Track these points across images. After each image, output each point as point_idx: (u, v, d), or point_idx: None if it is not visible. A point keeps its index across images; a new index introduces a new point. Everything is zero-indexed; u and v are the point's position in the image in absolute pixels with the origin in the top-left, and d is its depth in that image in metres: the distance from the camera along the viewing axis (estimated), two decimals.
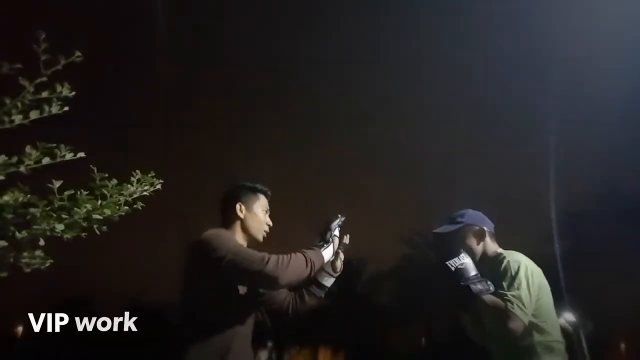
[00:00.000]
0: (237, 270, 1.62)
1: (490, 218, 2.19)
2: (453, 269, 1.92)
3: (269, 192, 1.99)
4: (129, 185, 2.29)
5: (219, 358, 1.63)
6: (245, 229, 1.89)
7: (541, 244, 16.89)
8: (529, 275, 1.94)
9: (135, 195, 2.32)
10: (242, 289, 1.74)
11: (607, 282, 15.96)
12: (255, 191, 1.95)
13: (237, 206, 1.88)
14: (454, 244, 2.08)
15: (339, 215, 1.96)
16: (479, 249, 2.11)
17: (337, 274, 2.02)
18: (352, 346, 22.90)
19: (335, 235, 1.87)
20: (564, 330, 1.98)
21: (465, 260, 1.94)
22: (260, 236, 1.92)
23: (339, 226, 1.92)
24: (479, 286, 1.88)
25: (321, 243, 1.83)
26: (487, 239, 2.13)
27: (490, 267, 2.05)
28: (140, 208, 2.37)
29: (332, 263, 1.97)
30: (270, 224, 1.96)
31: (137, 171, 2.33)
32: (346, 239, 1.99)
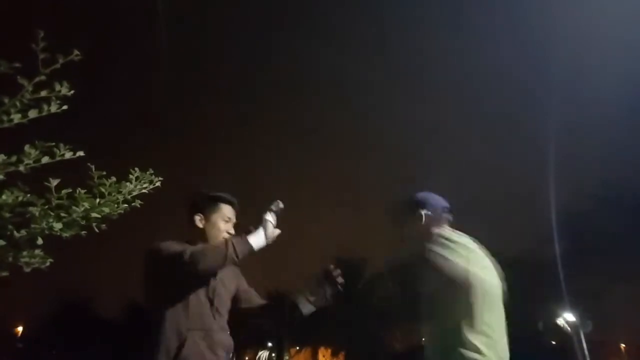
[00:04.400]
0: (166, 260, 1.74)
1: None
2: None
3: (233, 201, 2.02)
4: (127, 184, 2.29)
5: (174, 352, 1.71)
6: (204, 239, 1.93)
7: (541, 244, 16.89)
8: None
9: (134, 193, 2.32)
10: (193, 287, 1.82)
11: (607, 282, 15.94)
12: (216, 201, 1.99)
13: (197, 217, 1.95)
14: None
15: (278, 201, 1.94)
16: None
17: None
18: (352, 346, 22.89)
19: (267, 220, 1.88)
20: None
21: None
22: None
23: (273, 211, 1.92)
24: None
25: (256, 231, 1.86)
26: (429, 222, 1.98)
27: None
28: (139, 206, 2.37)
29: (317, 298, 1.98)
30: (232, 232, 1.98)
31: (136, 169, 2.33)
32: (280, 204, 1.96)
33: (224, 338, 1.88)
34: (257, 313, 2.07)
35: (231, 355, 1.91)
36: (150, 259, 1.82)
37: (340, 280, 2.00)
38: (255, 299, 2.08)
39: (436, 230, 1.94)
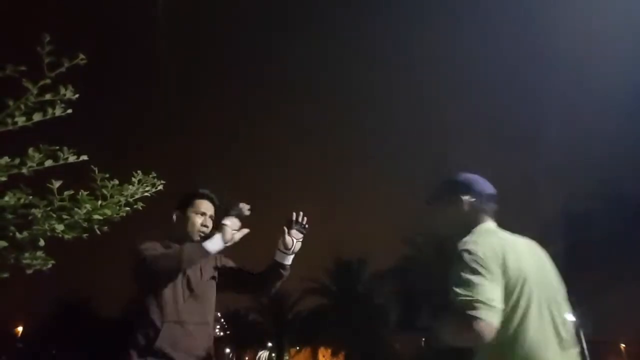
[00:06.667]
0: (137, 262, 1.89)
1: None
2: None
3: (208, 195, 2.16)
4: (130, 186, 2.30)
5: (149, 343, 1.82)
6: (182, 233, 2.08)
7: (541, 244, 16.84)
8: (478, 255, 1.47)
9: (136, 196, 2.33)
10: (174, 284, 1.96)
11: (607, 282, 15.93)
12: (190, 197, 2.14)
13: (174, 215, 2.12)
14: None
15: (241, 205, 2.07)
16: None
17: (290, 250, 2.14)
18: (352, 346, 22.87)
19: (224, 224, 2.00)
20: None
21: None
22: (194, 237, 2.08)
23: (234, 215, 2.04)
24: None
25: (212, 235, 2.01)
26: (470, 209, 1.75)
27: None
28: (141, 208, 2.37)
29: (283, 242, 2.12)
30: (208, 224, 2.12)
31: (139, 172, 2.34)
32: (244, 208, 2.10)
33: (201, 328, 1.98)
34: (249, 285, 2.23)
35: (211, 344, 2.01)
36: (131, 259, 1.95)
37: (305, 222, 2.18)
38: (245, 274, 2.22)
39: (480, 223, 1.70)
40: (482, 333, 1.36)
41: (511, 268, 1.50)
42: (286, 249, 2.12)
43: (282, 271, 2.15)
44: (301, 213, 2.18)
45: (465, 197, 1.75)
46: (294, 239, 2.13)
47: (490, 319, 1.37)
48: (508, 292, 1.47)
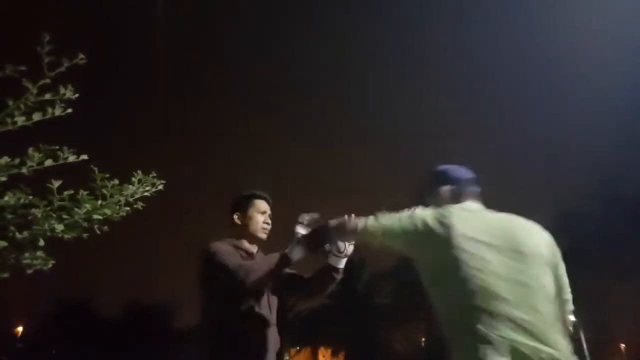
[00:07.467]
0: (220, 272, 1.94)
1: None
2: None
3: (264, 196, 2.27)
4: (130, 186, 2.30)
5: (236, 346, 1.91)
6: (247, 233, 2.18)
7: None
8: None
9: (136, 196, 2.33)
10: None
11: (607, 282, 15.94)
12: (249, 198, 2.24)
13: (235, 216, 2.21)
14: None
15: (304, 215, 2.10)
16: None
17: (343, 253, 2.15)
18: (352, 346, 22.87)
19: (299, 233, 2.03)
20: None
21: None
22: (260, 234, 2.20)
23: (302, 224, 2.07)
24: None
25: (290, 245, 2.02)
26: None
27: None
28: (140, 208, 2.38)
29: (337, 246, 2.15)
30: (269, 222, 2.23)
31: (139, 171, 2.34)
32: (304, 217, 2.13)
33: (276, 333, 2.08)
34: (302, 289, 2.31)
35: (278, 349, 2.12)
36: (207, 264, 2.00)
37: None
38: (298, 278, 2.26)
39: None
40: None
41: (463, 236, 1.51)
42: (339, 253, 2.15)
43: (335, 275, 2.18)
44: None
45: (444, 187, 1.79)
46: (346, 243, 2.16)
47: None
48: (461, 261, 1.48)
